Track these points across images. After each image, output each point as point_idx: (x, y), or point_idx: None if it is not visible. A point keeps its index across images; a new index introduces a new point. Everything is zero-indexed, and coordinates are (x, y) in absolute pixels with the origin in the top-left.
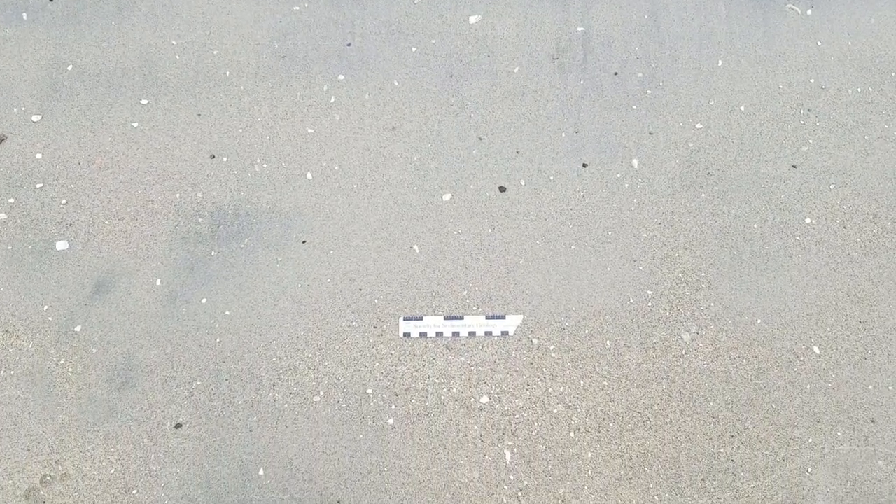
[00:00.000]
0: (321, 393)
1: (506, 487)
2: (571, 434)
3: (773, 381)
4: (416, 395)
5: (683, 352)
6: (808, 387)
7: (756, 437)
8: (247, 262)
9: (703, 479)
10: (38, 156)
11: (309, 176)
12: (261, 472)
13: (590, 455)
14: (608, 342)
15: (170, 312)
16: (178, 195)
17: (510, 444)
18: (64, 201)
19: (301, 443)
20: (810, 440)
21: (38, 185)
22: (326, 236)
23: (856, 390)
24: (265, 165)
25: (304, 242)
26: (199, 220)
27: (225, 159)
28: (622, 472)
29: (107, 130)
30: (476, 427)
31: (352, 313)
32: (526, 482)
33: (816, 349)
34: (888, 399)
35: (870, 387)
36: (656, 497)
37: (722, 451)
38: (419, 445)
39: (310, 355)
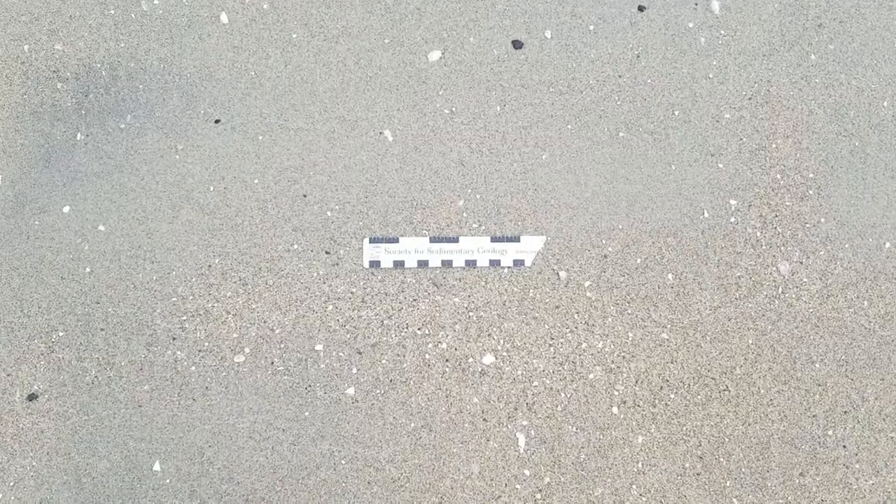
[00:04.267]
0: (246, 350)
1: (518, 487)
2: (615, 410)
3: None
4: (388, 354)
5: (780, 290)
6: None
7: (878, 414)
8: (130, 151)
9: (801, 474)
10: None
11: (224, 19)
12: (156, 466)
13: (640, 440)
14: (670, 276)
15: (16, 227)
16: (26, 47)
17: (525, 423)
18: None
19: (216, 424)
20: None
21: None
22: (251, 113)
23: None
24: (157, 2)
25: (217, 122)
26: (59, 84)
27: None
28: (687, 465)
29: None
30: (476, 399)
31: (292, 231)
32: (548, 479)
33: None
34: None
35: None
36: (735, 499)
37: (830, 433)
38: (393, 427)
39: (228, 294)
